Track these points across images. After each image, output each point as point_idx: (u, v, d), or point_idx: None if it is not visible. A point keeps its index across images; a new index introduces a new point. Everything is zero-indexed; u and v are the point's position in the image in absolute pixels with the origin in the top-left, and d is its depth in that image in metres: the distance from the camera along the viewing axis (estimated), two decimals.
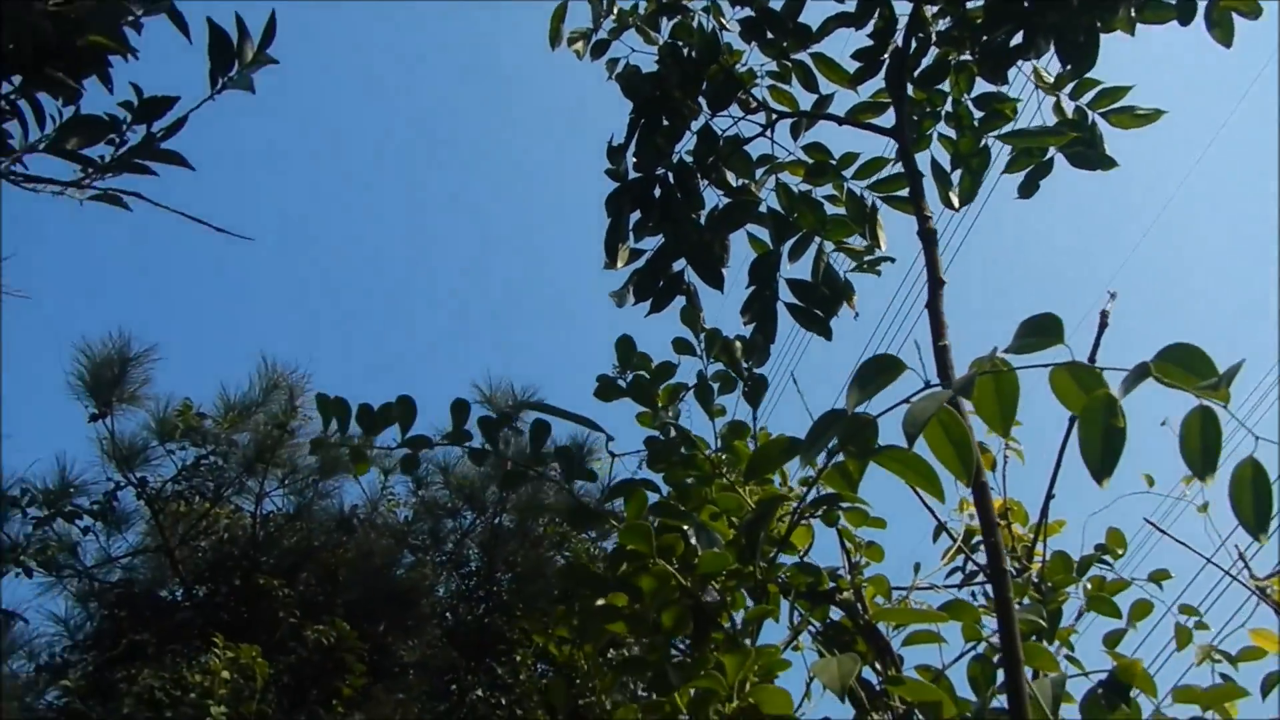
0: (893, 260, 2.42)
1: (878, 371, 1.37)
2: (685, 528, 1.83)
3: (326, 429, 2.06)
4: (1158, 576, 2.10)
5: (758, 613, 1.64)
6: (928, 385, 1.67)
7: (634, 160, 2.59)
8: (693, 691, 1.57)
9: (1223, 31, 2.04)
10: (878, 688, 1.76)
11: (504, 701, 5.89)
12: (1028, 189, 2.28)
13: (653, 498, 1.94)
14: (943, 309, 1.83)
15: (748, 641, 1.66)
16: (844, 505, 1.81)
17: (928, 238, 1.90)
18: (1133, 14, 2.07)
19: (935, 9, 2.27)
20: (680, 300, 2.54)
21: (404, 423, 2.01)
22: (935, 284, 1.85)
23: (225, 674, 5.06)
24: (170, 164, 2.19)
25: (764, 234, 2.56)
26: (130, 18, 2.02)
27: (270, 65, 2.18)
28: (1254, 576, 2.17)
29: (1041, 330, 1.22)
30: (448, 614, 7.14)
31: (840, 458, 1.64)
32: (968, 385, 1.27)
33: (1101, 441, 1.14)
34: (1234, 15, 2.05)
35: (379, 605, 6.50)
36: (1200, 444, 1.09)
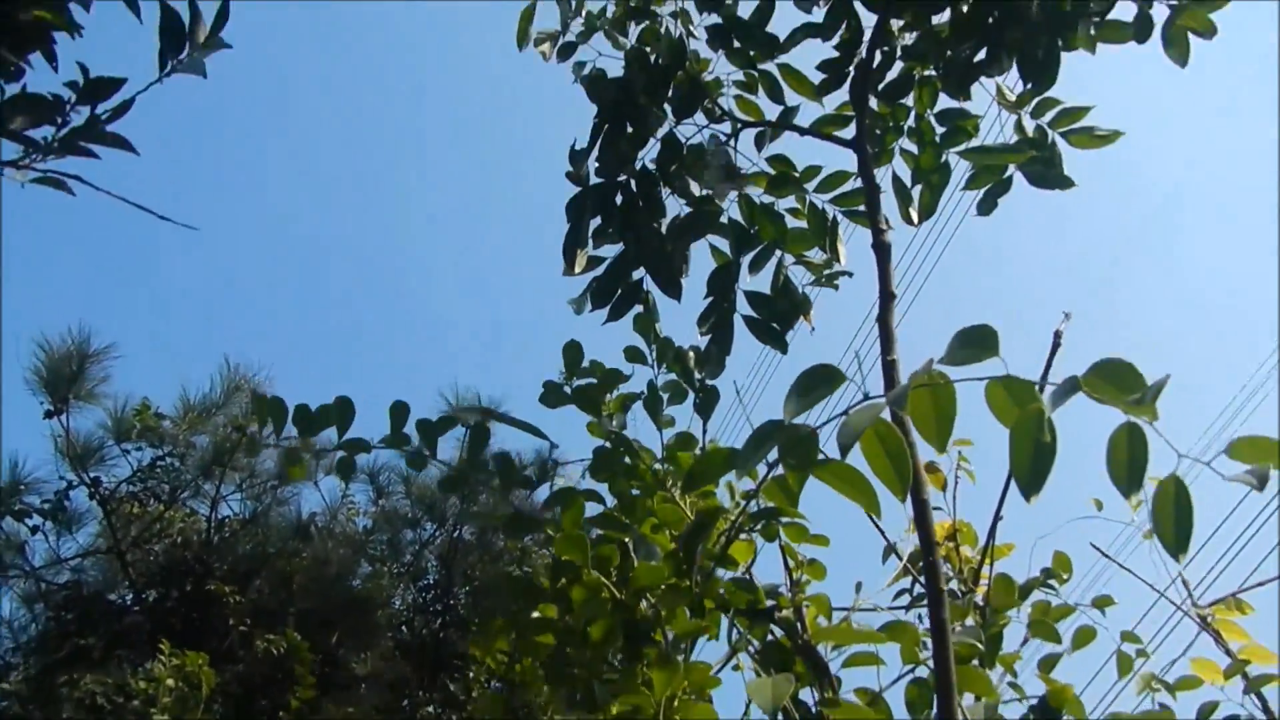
0: (850, 275, 2.40)
1: (817, 382, 1.33)
2: (626, 540, 1.78)
3: (262, 430, 2.00)
4: (1101, 603, 2.07)
5: (691, 628, 1.59)
6: (867, 398, 1.64)
7: (596, 165, 2.56)
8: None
9: (1178, 51, 2.05)
10: (814, 709, 1.71)
11: (455, 719, 5.78)
12: (986, 206, 2.27)
13: (598, 509, 1.89)
14: (893, 323, 1.80)
15: (680, 659, 1.60)
16: (783, 520, 1.77)
17: (882, 250, 1.88)
18: (1092, 33, 2.06)
19: (902, 23, 2.26)
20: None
21: (341, 425, 1.95)
22: (886, 297, 1.82)
23: (170, 681, 4.93)
24: (114, 148, 2.13)
25: (725, 245, 2.54)
26: None
27: (223, 50, 2.12)
28: (1196, 605, 2.15)
29: (976, 342, 1.18)
30: (403, 627, 7.03)
31: (780, 470, 1.60)
32: (902, 396, 1.24)
33: (1031, 457, 1.11)
34: (1190, 35, 2.05)
35: (333, 615, 6.38)
36: (1127, 459, 1.05)
